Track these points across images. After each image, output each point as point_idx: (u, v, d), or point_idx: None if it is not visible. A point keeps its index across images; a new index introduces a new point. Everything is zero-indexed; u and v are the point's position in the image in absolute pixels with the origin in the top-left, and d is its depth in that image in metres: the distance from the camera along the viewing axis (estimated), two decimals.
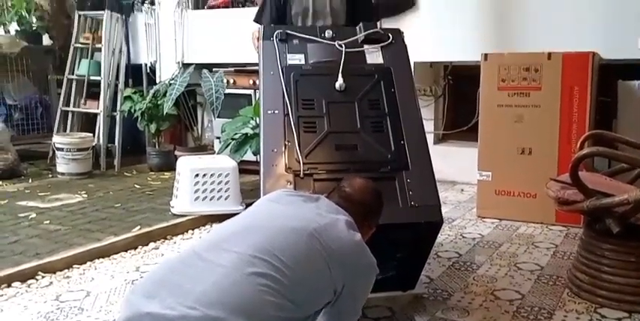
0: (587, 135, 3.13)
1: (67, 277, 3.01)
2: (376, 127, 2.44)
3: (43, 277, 2.97)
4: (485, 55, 4.00)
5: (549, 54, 3.82)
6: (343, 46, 2.60)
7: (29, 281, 2.92)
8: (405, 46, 2.71)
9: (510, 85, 3.93)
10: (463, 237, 3.64)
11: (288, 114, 2.38)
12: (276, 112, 2.39)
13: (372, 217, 1.95)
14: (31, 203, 4.39)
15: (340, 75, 2.49)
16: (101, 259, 3.26)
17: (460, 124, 5.19)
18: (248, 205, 4.10)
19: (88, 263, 3.19)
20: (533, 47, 4.23)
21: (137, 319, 1.35)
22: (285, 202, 1.83)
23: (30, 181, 5.22)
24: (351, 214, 1.83)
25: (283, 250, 1.53)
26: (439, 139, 5.44)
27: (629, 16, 4.19)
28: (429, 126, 5.03)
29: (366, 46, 2.66)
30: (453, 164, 4.96)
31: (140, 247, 3.47)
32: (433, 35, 4.83)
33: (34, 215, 4.05)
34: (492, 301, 2.67)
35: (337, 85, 2.49)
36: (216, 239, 1.61)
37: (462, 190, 4.90)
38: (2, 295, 2.76)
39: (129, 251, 3.41)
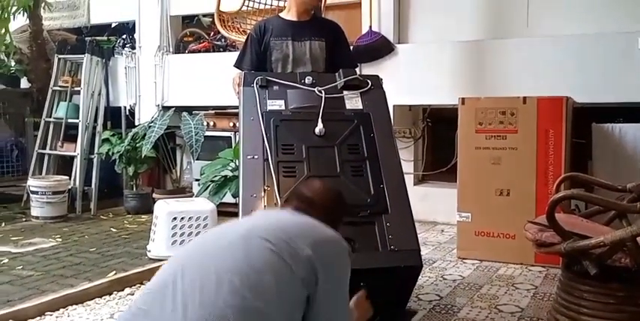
0: (563, 177, 3.18)
1: None
2: (356, 172, 2.46)
3: None
4: (463, 99, 4.08)
5: (524, 98, 3.90)
6: (323, 92, 2.64)
7: None
8: (384, 91, 2.77)
9: (487, 128, 3.99)
10: (444, 279, 3.62)
11: (267, 159, 2.39)
12: (256, 157, 2.41)
13: (337, 222, 1.83)
14: (3, 248, 4.29)
15: (320, 120, 2.52)
16: (75, 306, 3.17)
17: (439, 165, 5.24)
18: None
19: (62, 310, 3.10)
20: (509, 92, 4.35)
21: None
22: (219, 230, 1.71)
23: (3, 225, 5.11)
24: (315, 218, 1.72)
25: (211, 303, 1.38)
26: (419, 180, 5.48)
27: (601, 62, 4.34)
28: (408, 167, 5.09)
29: (345, 92, 2.70)
30: (433, 205, 4.99)
31: (115, 292, 3.38)
32: (412, 79, 4.94)
33: (6, 260, 3.96)
34: None
35: (317, 130, 2.51)
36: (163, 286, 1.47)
37: (443, 230, 4.90)
38: None
39: (103, 297, 3.32)
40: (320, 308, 1.51)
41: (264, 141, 2.43)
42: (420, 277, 2.45)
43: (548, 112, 3.83)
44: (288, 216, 1.66)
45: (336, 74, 2.77)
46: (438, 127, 5.41)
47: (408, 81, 4.92)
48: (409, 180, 4.87)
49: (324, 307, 1.51)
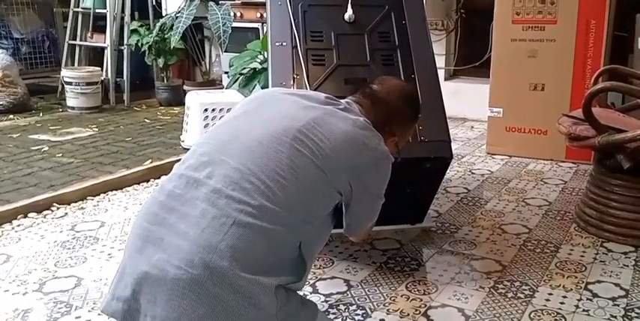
0: (602, 70, 3.08)
1: (82, 208, 3.07)
2: (386, 61, 2.39)
3: (58, 208, 3.04)
4: None
5: None
6: None
7: (45, 212, 2.99)
8: None
9: (525, 19, 3.82)
10: (472, 173, 3.65)
11: (296, 46, 2.33)
12: (284, 44, 2.35)
13: (394, 123, 1.66)
14: (43, 137, 4.43)
15: (349, 6, 2.42)
16: (114, 191, 3.31)
17: (472, 59, 5.09)
18: None
19: (102, 195, 3.25)
20: None
21: (137, 278, 1.30)
22: (271, 101, 1.58)
23: (41, 115, 5.25)
24: (369, 115, 1.58)
25: (264, 169, 1.35)
26: (450, 75, 5.36)
27: None
28: (440, 62, 4.95)
29: None
30: (464, 101, 4.91)
31: (152, 180, 3.51)
32: None
33: (46, 148, 4.10)
34: (499, 234, 2.71)
35: (346, 16, 2.42)
36: (191, 168, 1.42)
37: (472, 127, 4.87)
38: (19, 225, 2.84)
39: (141, 184, 3.46)
40: (350, 211, 1.55)
41: (292, 27, 2.36)
42: (448, 171, 2.45)
43: (591, 1, 3.63)
44: (329, 119, 1.49)
45: None
46: (472, 19, 5.18)
47: None
48: (440, 75, 4.75)
49: (353, 211, 1.55)
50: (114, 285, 1.36)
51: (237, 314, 1.26)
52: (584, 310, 2.05)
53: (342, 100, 1.63)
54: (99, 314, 2.05)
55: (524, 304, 2.10)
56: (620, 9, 3.89)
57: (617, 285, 2.23)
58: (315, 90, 2.27)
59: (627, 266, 2.38)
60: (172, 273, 1.25)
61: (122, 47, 5.74)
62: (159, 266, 1.27)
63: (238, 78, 4.39)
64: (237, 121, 1.54)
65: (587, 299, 2.12)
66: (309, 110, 1.51)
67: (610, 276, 2.30)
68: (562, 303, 2.10)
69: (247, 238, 1.28)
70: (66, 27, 6.05)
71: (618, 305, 2.08)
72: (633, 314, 2.02)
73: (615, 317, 2.00)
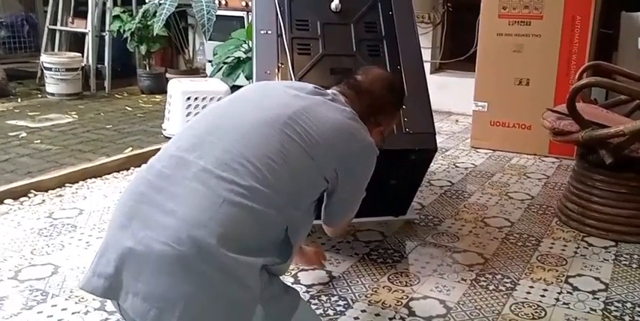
0: (586, 66, 3.09)
1: (60, 195, 3.02)
2: (372, 51, 2.38)
3: (35, 195, 2.98)
4: None
5: None
6: None
7: (22, 199, 2.93)
8: None
9: (511, 13, 3.83)
10: (456, 166, 3.65)
11: (281, 35, 2.30)
12: (269, 32, 2.32)
13: (379, 113, 1.68)
14: (21, 123, 4.35)
15: None
16: (93, 179, 3.26)
17: (458, 53, 5.08)
18: None
19: (81, 183, 3.20)
20: None
21: (120, 254, 1.26)
22: (261, 91, 1.62)
23: (19, 100, 5.15)
24: (355, 106, 1.60)
25: (254, 152, 1.36)
26: (436, 69, 5.35)
27: None
28: (426, 55, 4.91)
29: None
30: (450, 94, 4.90)
31: (132, 168, 3.46)
32: None
33: (24, 134, 4.02)
34: (482, 227, 2.71)
35: (333, 5, 2.40)
36: (181, 149, 1.41)
37: (457, 120, 4.88)
38: None
39: (121, 172, 3.41)
40: (332, 201, 1.57)
41: (277, 15, 2.33)
42: (432, 163, 2.44)
43: None
44: (318, 108, 1.51)
45: None
46: (458, 13, 5.17)
47: None
48: (426, 68, 4.73)
49: (335, 201, 1.57)
50: (95, 262, 1.32)
51: (221, 293, 1.25)
52: (564, 303, 2.06)
53: (328, 91, 1.64)
54: (76, 303, 2.02)
55: (505, 296, 2.10)
56: (606, 6, 3.91)
57: (597, 279, 2.24)
58: (300, 79, 2.24)
59: (607, 260, 2.40)
60: (158, 249, 1.22)
61: (104, 33, 5.64)
62: (144, 242, 1.24)
63: (222, 67, 4.33)
64: (227, 106, 1.55)
65: (568, 292, 2.13)
66: (299, 99, 1.52)
67: (590, 270, 2.31)
68: (543, 296, 2.11)
69: (237, 217, 1.28)
70: (46, 11, 5.91)
71: (598, 299, 2.09)
72: (612, 308, 2.03)
73: (595, 310, 2.02)
